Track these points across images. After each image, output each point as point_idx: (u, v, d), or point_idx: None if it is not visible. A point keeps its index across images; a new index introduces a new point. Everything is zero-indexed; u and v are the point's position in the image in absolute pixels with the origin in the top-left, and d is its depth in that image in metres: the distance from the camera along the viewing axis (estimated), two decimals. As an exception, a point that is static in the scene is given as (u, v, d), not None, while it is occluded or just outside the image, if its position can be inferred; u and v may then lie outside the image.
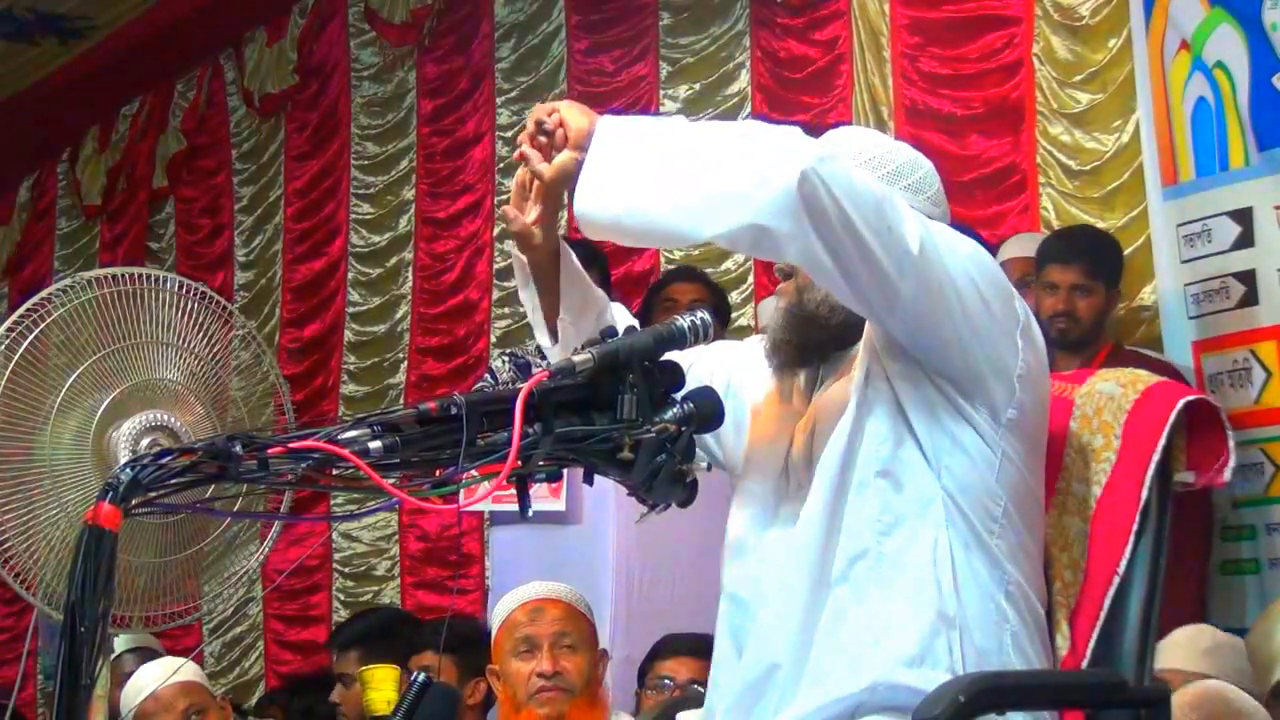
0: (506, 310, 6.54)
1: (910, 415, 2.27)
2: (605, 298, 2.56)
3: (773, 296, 4.68)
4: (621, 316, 2.57)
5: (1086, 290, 4.11)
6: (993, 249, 4.23)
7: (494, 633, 3.44)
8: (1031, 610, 2.30)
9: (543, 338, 2.51)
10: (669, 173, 2.16)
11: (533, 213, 2.40)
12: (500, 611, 3.43)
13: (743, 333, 5.09)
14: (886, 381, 2.28)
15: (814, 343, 2.38)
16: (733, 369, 2.54)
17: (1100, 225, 4.49)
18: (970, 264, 2.26)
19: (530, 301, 2.51)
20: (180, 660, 4.51)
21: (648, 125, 2.25)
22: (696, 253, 5.61)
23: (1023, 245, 4.45)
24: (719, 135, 2.22)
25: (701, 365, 2.50)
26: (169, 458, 1.71)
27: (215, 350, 4.34)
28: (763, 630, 2.30)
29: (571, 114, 2.27)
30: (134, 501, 1.67)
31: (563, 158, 2.26)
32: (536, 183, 2.36)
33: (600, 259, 4.72)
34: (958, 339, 2.23)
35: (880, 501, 2.26)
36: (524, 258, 2.46)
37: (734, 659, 2.36)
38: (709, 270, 5.39)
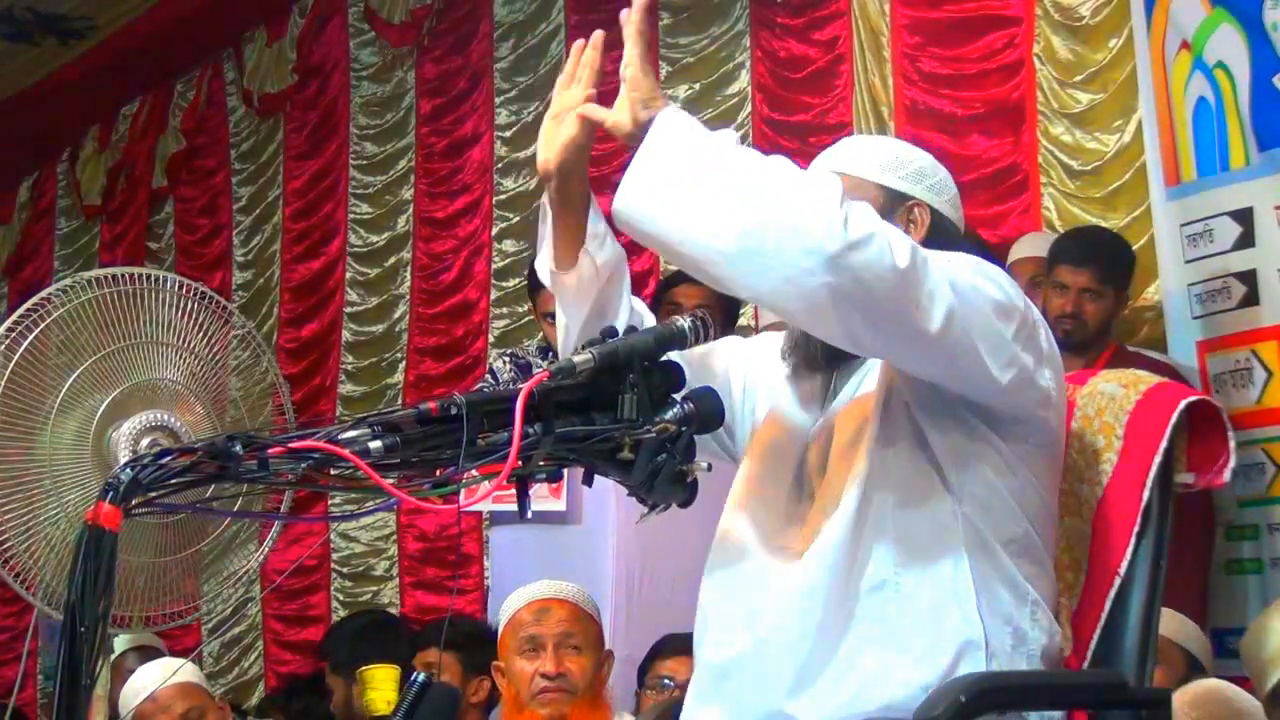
0: (505, 310, 6.54)
1: (931, 442, 2.25)
2: (624, 258, 2.53)
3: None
4: (641, 310, 2.55)
5: (1096, 294, 4.10)
6: (994, 249, 4.24)
7: (500, 629, 3.44)
8: (1051, 628, 2.29)
9: (548, 263, 2.46)
10: (707, 216, 2.12)
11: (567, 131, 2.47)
12: (507, 609, 3.43)
13: (744, 333, 5.08)
14: (906, 409, 2.27)
15: (834, 348, 2.35)
16: (750, 363, 2.54)
17: (1102, 225, 4.49)
18: (995, 313, 2.20)
19: (543, 231, 2.48)
20: (179, 661, 4.51)
21: (700, 143, 2.22)
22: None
23: (1034, 245, 4.45)
24: (758, 177, 2.14)
25: (718, 356, 2.51)
26: (169, 458, 1.70)
27: (215, 350, 4.34)
28: (763, 666, 2.26)
29: (641, 85, 2.46)
30: (134, 501, 1.67)
31: (617, 119, 2.43)
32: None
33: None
34: (984, 381, 2.21)
35: (899, 532, 2.24)
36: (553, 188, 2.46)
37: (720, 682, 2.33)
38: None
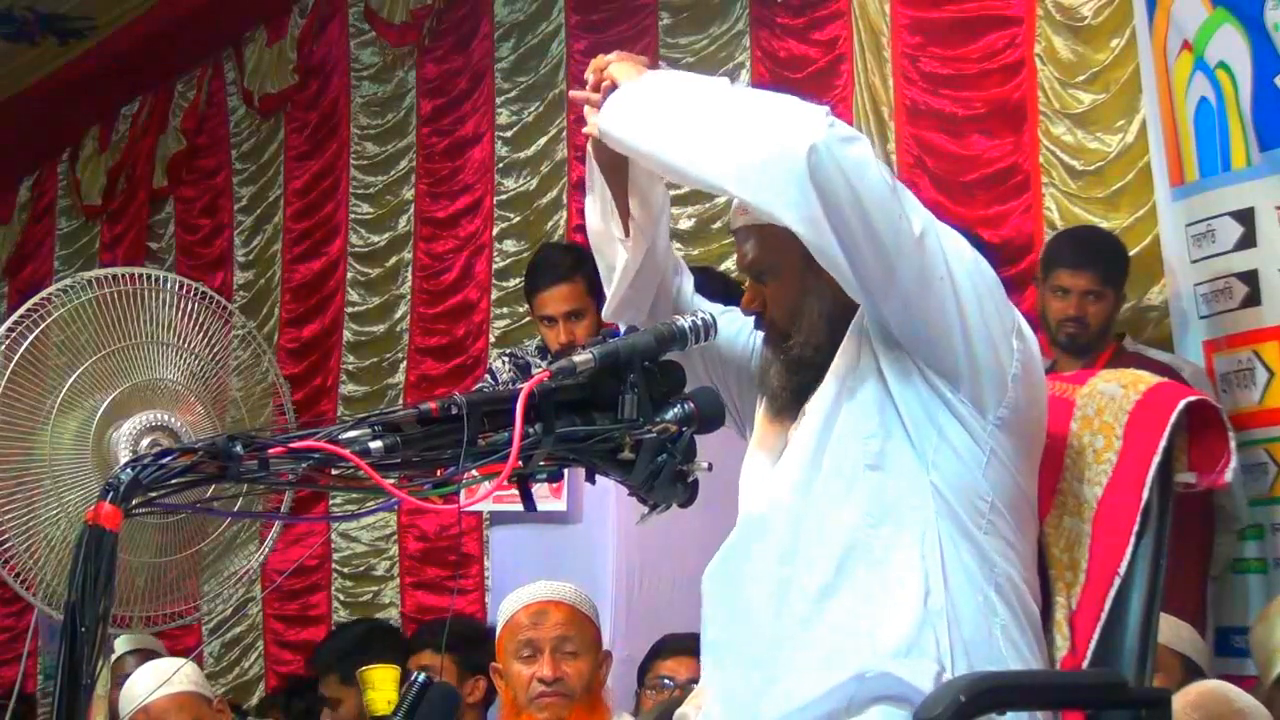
0: (505, 310, 6.53)
1: (901, 408, 2.28)
2: (668, 201, 2.61)
3: None
4: (687, 279, 2.66)
5: (1098, 296, 4.09)
6: (994, 249, 4.23)
7: (498, 631, 3.44)
8: (1024, 605, 2.30)
9: (617, 231, 2.53)
10: (690, 113, 2.29)
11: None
12: (504, 611, 3.43)
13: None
14: (878, 373, 2.30)
15: (807, 381, 2.39)
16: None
17: (1105, 225, 4.49)
18: (970, 263, 2.29)
19: (600, 203, 2.55)
20: (178, 661, 4.50)
21: (685, 75, 2.42)
22: (696, 253, 5.61)
23: None
24: (747, 94, 2.34)
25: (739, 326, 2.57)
26: (169, 458, 1.70)
27: (215, 350, 4.34)
28: (742, 629, 2.33)
29: (620, 70, 2.40)
30: (134, 501, 1.67)
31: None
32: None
33: (590, 263, 4.70)
34: (951, 330, 2.25)
35: (869, 494, 2.28)
36: (595, 162, 2.53)
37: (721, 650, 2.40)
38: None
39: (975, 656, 2.23)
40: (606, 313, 2.62)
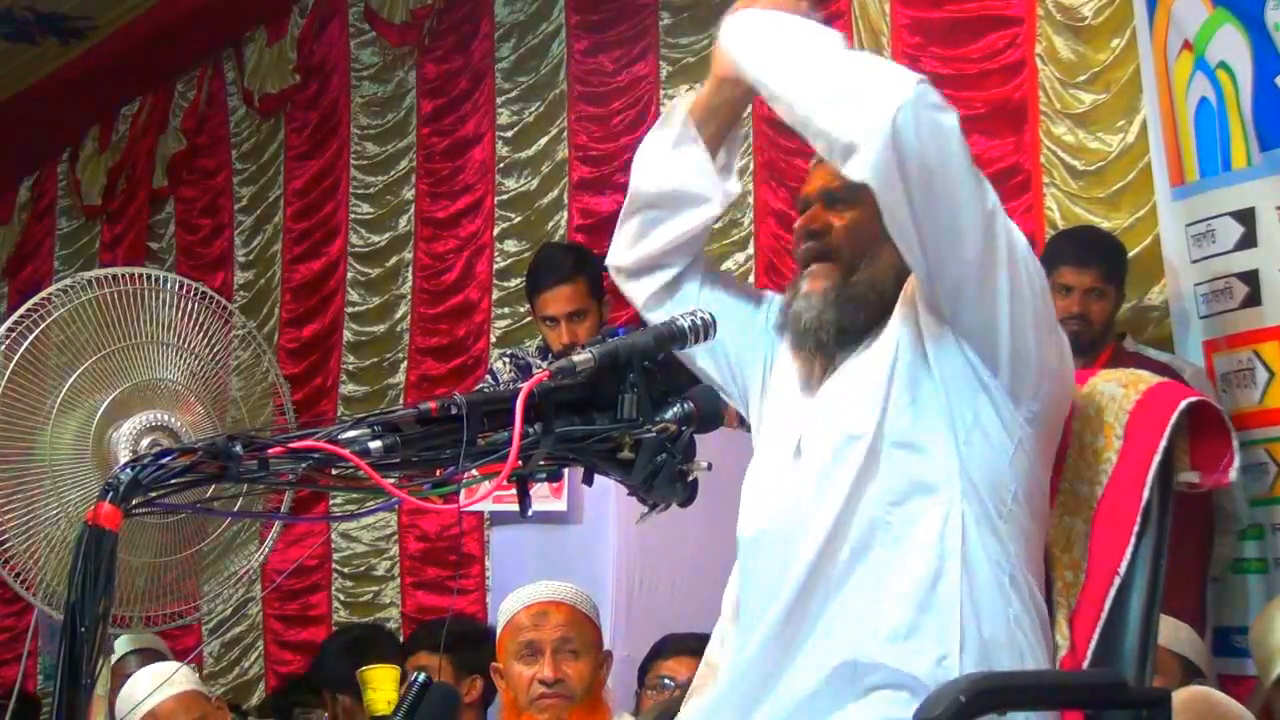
0: (506, 310, 6.53)
1: (941, 383, 2.29)
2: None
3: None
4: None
5: (1100, 294, 4.10)
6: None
7: (498, 630, 3.44)
8: (1035, 600, 2.31)
9: (710, 172, 2.55)
10: (802, 44, 2.34)
11: None
12: (505, 611, 3.43)
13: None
14: (922, 352, 2.31)
15: (855, 326, 2.39)
16: (762, 326, 2.61)
17: (1106, 225, 4.49)
18: (1027, 254, 2.31)
19: (698, 158, 2.55)
20: (173, 665, 4.50)
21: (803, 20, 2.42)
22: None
23: None
24: (852, 54, 2.36)
25: (760, 297, 2.61)
26: (169, 458, 1.70)
27: (215, 350, 4.35)
28: (761, 607, 2.33)
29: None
30: (134, 501, 1.67)
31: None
32: None
33: (591, 264, 4.71)
34: (1000, 314, 2.26)
35: (896, 471, 2.28)
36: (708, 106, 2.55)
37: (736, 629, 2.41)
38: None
39: (990, 645, 2.23)
40: (642, 254, 2.61)
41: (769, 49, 2.37)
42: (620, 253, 2.65)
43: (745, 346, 2.60)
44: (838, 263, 2.41)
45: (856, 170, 2.21)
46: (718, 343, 2.53)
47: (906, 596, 2.24)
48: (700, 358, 2.60)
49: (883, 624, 2.23)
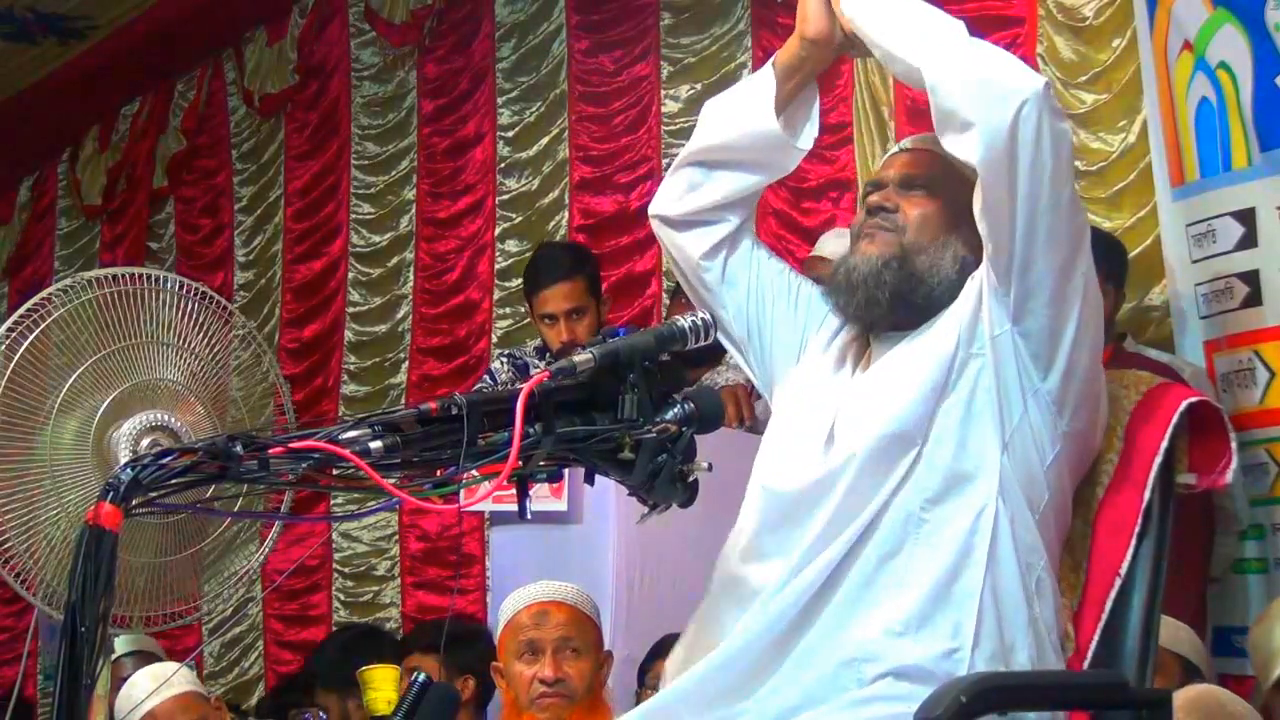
0: (508, 310, 6.53)
1: (999, 385, 2.30)
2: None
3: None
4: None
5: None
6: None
7: (499, 630, 3.44)
8: (1056, 603, 2.31)
9: (785, 128, 2.54)
10: (934, 19, 2.35)
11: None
12: (506, 610, 3.43)
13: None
14: (982, 349, 2.31)
15: (908, 299, 2.40)
16: (810, 298, 2.60)
17: (1107, 226, 4.48)
18: (1095, 276, 2.36)
19: (775, 103, 2.53)
20: (173, 665, 4.50)
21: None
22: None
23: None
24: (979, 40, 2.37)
25: (789, 272, 2.62)
26: (170, 458, 1.70)
27: (215, 350, 4.34)
28: (780, 577, 2.31)
29: None
30: (134, 501, 1.67)
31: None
32: None
33: (590, 262, 4.71)
34: (1068, 325, 2.30)
35: (938, 467, 2.29)
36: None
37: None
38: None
39: (1008, 647, 2.24)
40: (706, 201, 2.60)
41: (898, 15, 2.37)
42: (668, 203, 2.64)
43: (782, 311, 2.59)
44: (907, 247, 2.41)
45: (968, 149, 2.24)
46: (755, 299, 2.56)
47: (923, 588, 2.24)
48: (729, 307, 2.59)
49: (896, 614, 2.23)
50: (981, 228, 2.31)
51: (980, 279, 2.35)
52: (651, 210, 2.69)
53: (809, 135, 2.57)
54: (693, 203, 2.60)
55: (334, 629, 6.78)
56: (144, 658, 5.00)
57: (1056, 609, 2.31)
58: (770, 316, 2.59)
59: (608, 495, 3.80)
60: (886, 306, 2.40)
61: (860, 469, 2.30)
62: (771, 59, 2.57)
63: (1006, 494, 2.27)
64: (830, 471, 2.32)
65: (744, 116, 2.56)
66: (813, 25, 2.49)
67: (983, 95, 2.22)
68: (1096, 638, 2.36)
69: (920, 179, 2.44)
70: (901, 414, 2.30)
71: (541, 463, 1.98)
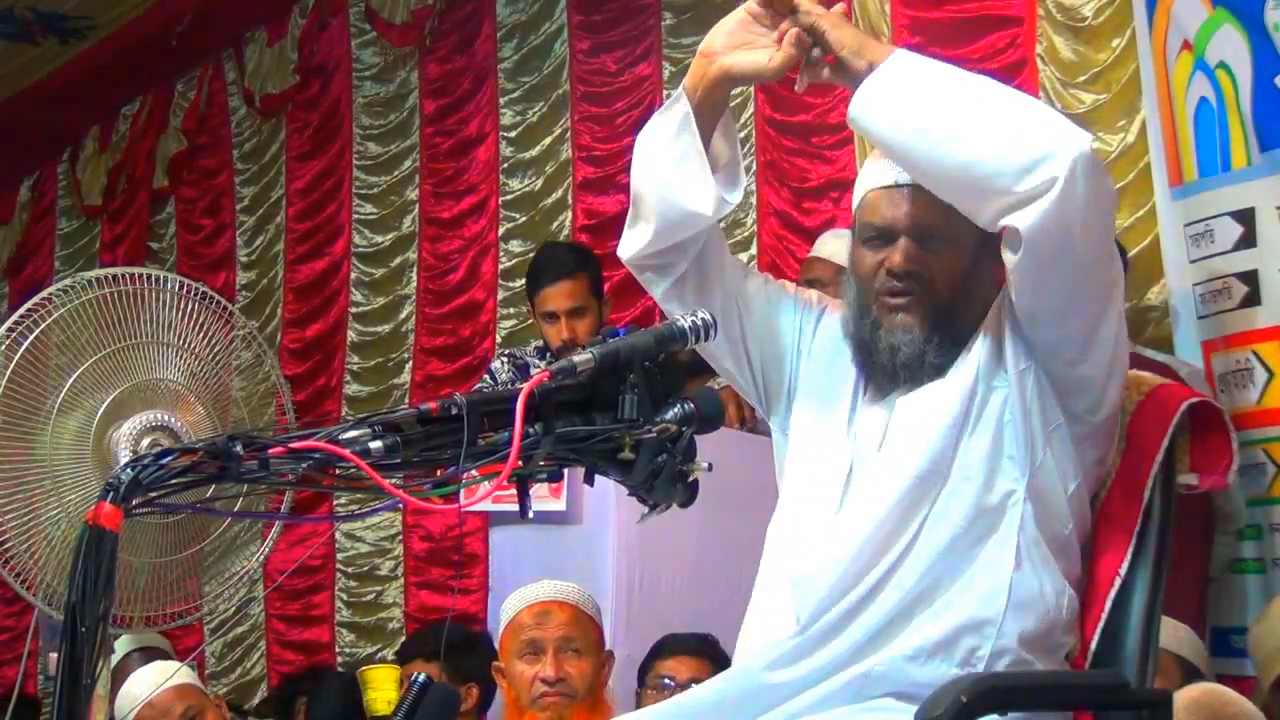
0: (511, 310, 6.53)
1: (1026, 416, 2.30)
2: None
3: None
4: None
5: None
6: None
7: (501, 630, 3.45)
8: (1069, 626, 2.32)
9: (706, 174, 2.46)
10: (951, 115, 2.21)
11: (776, 58, 2.43)
12: (508, 610, 3.43)
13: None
14: (1004, 381, 2.31)
15: (949, 362, 2.35)
16: (819, 318, 2.55)
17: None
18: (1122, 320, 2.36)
19: (692, 146, 2.50)
20: (173, 664, 4.51)
21: (939, 66, 2.29)
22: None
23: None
24: (1002, 96, 2.25)
25: (795, 292, 2.57)
26: (170, 458, 1.70)
27: (216, 350, 4.34)
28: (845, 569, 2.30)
29: (840, 34, 2.31)
30: (135, 501, 1.67)
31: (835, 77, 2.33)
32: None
33: (593, 263, 4.71)
34: (1106, 359, 2.31)
35: (964, 502, 2.28)
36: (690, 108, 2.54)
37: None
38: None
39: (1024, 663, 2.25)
40: (649, 246, 2.50)
41: (921, 111, 2.23)
42: (624, 247, 2.58)
43: (768, 338, 2.54)
44: (938, 304, 2.36)
45: (1021, 220, 2.17)
46: (743, 335, 2.52)
47: (937, 619, 2.24)
48: (721, 352, 2.54)
49: (908, 641, 2.25)
50: (1014, 280, 2.27)
51: (999, 309, 2.34)
52: (618, 253, 2.61)
53: (738, 186, 2.49)
54: (644, 250, 2.51)
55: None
56: (151, 655, 5.00)
57: (1065, 630, 2.32)
58: (759, 349, 2.55)
59: (608, 495, 3.80)
60: (929, 374, 2.37)
61: (883, 518, 2.29)
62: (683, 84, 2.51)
63: (1027, 527, 2.28)
64: (856, 524, 2.32)
65: (673, 168, 2.49)
66: (713, 71, 2.53)
67: (1025, 167, 2.14)
68: (1096, 638, 2.36)
69: (937, 229, 2.34)
70: (924, 459, 2.29)
71: (541, 463, 1.98)
